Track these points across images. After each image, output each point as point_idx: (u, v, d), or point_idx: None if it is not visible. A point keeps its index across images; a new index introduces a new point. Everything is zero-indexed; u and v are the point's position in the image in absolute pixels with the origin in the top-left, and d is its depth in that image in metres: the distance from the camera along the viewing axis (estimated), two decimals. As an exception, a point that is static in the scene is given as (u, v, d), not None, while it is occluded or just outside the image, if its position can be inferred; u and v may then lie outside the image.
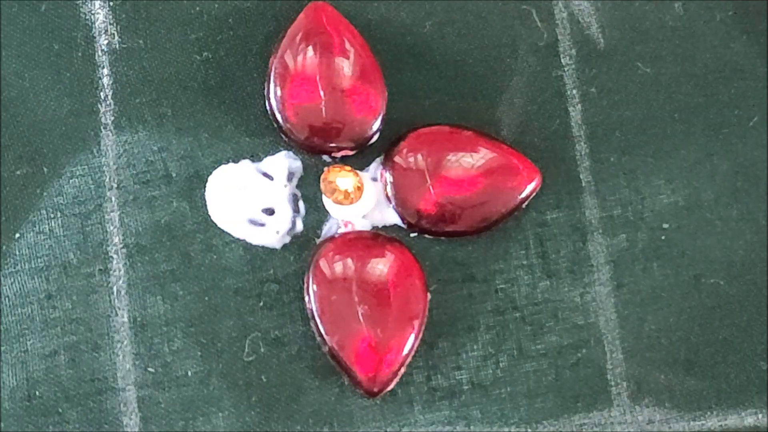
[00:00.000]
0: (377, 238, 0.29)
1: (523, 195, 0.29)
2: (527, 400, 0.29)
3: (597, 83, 0.30)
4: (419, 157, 0.29)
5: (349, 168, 0.29)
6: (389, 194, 0.29)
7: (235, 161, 0.29)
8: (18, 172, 0.29)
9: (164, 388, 0.28)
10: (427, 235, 0.29)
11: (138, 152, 0.29)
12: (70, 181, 0.29)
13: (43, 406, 0.28)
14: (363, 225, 0.29)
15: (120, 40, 0.29)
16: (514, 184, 0.29)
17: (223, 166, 0.29)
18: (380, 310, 0.28)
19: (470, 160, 0.29)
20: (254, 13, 0.30)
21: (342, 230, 0.29)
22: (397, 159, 0.29)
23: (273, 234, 0.29)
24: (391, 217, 0.29)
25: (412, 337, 0.28)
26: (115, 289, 0.29)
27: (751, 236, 0.30)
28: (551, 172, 0.29)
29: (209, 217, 0.29)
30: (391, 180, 0.29)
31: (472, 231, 0.29)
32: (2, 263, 0.28)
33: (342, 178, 0.29)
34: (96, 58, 0.29)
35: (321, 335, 0.28)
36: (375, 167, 0.29)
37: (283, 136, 0.29)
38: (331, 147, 0.29)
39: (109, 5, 0.29)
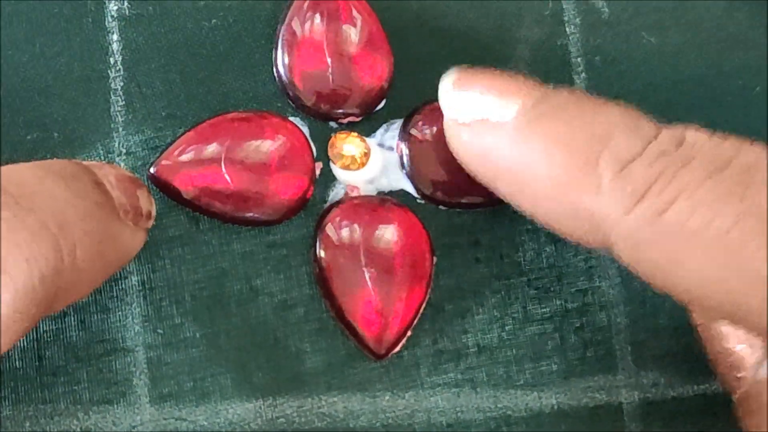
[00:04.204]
0: (384, 203, 0.29)
1: None
2: (532, 363, 0.29)
3: (601, 52, 0.30)
4: (435, 129, 0.29)
5: (356, 134, 0.29)
6: (405, 165, 0.29)
7: (244, 127, 0.29)
8: (29, 137, 0.29)
9: (173, 349, 0.28)
10: (442, 206, 0.29)
11: (147, 119, 0.29)
12: (80, 146, 0.29)
13: (54, 366, 0.28)
14: (369, 190, 0.29)
15: (129, 6, 0.29)
16: None
17: (231, 132, 0.29)
18: (387, 273, 0.28)
19: None
20: (262, -19, 0.30)
21: (348, 195, 0.29)
22: (412, 131, 0.29)
23: (281, 198, 0.29)
24: (397, 183, 0.29)
25: (418, 300, 0.28)
26: (124, 251, 0.29)
27: (755, 203, 0.30)
28: (556, 140, 0.30)
29: (217, 181, 0.29)
30: (407, 152, 0.29)
31: (487, 203, 0.29)
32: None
33: (349, 144, 0.29)
34: (106, 23, 0.29)
35: (328, 298, 0.28)
36: (381, 133, 0.30)
37: (291, 102, 0.29)
38: (338, 113, 0.29)
39: (118, -27, 0.30)
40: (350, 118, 0.29)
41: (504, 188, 0.25)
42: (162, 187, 0.28)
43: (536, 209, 0.24)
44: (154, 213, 0.27)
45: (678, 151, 0.23)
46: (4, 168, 0.23)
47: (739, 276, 0.21)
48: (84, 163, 0.26)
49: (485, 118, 0.24)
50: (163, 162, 0.28)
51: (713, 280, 0.21)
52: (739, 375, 0.26)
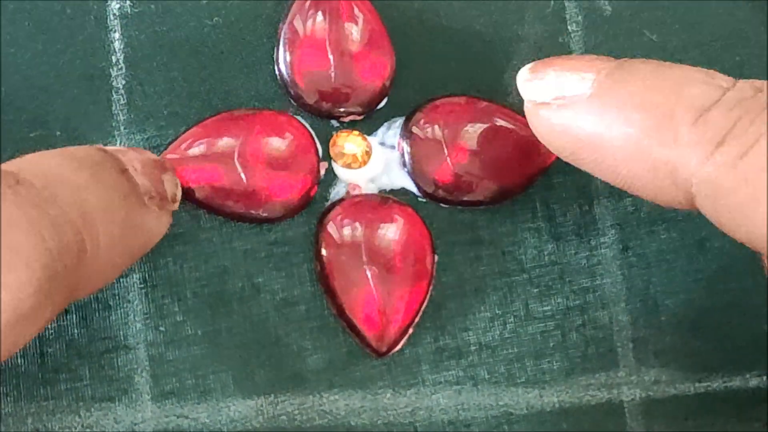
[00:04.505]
0: (385, 201, 0.29)
1: (540, 166, 0.29)
2: (534, 360, 0.29)
3: (603, 50, 0.30)
4: (436, 127, 0.29)
5: (357, 132, 0.29)
6: (407, 164, 0.29)
7: (245, 125, 0.29)
8: (31, 135, 0.29)
9: (174, 346, 0.28)
10: (443, 204, 0.29)
11: (149, 117, 0.29)
12: (82, 144, 0.29)
13: (55, 363, 0.28)
14: (370, 189, 0.29)
15: (131, 4, 0.30)
16: (531, 155, 0.29)
17: (232, 130, 0.29)
18: (388, 271, 0.28)
19: (487, 131, 0.29)
20: (264, -21, 0.30)
21: (350, 194, 0.29)
22: (414, 129, 0.29)
23: (282, 196, 0.29)
24: (399, 181, 0.29)
25: (420, 297, 0.29)
26: (126, 249, 0.29)
27: (756, 201, 0.30)
28: (558, 138, 0.30)
29: (219, 179, 0.29)
30: (409, 150, 0.29)
31: (489, 201, 0.29)
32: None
33: (350, 143, 0.29)
34: (108, 22, 0.29)
35: (329, 296, 0.29)
36: (383, 131, 0.30)
37: (292, 100, 0.29)
38: (340, 112, 0.29)
39: (120, -28, 0.30)
40: (352, 117, 0.29)
41: (585, 160, 0.25)
42: None
43: (618, 175, 0.24)
44: (179, 195, 0.27)
45: (757, 96, 0.22)
46: (27, 157, 0.24)
47: None
48: (108, 148, 0.26)
49: (563, 95, 0.24)
50: (168, 155, 0.28)
51: None
52: None
